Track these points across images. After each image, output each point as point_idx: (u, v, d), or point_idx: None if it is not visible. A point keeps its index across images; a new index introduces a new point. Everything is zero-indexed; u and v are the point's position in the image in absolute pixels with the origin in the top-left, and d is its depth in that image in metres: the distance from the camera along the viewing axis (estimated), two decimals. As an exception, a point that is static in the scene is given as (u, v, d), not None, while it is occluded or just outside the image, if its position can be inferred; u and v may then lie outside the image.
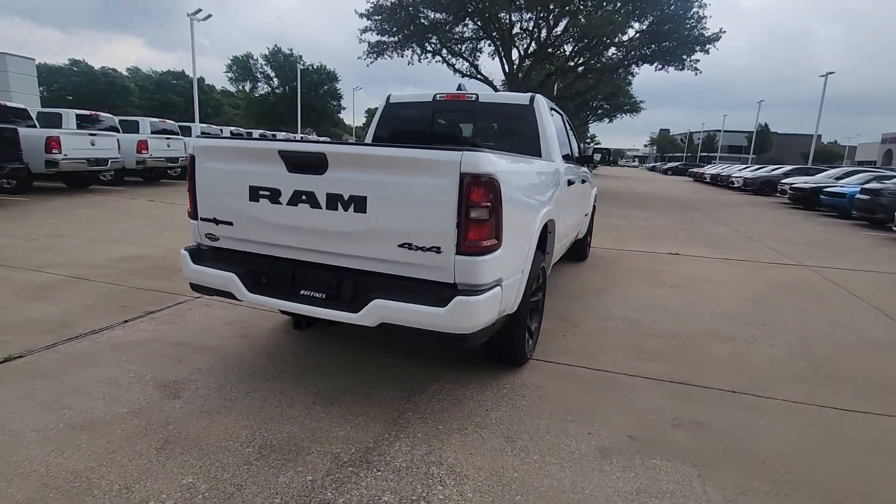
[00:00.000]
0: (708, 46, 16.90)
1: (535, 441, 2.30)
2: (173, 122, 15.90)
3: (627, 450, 2.26)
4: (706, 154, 69.22)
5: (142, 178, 14.15)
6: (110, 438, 2.16)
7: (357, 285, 2.32)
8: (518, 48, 20.31)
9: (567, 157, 4.34)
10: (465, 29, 20.29)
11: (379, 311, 2.17)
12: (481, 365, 3.02)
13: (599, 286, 5.05)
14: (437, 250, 2.11)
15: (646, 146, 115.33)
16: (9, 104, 10.58)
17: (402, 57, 20.75)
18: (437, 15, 18.71)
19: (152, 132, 14.85)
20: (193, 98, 26.47)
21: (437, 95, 4.01)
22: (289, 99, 44.11)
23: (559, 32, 18.66)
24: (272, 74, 45.82)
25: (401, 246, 2.16)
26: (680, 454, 2.24)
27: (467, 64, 20.80)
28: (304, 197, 2.28)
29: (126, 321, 3.49)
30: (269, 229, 2.43)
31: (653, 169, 66.03)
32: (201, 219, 2.60)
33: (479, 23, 19.45)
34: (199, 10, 24.21)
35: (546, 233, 3.31)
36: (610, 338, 3.63)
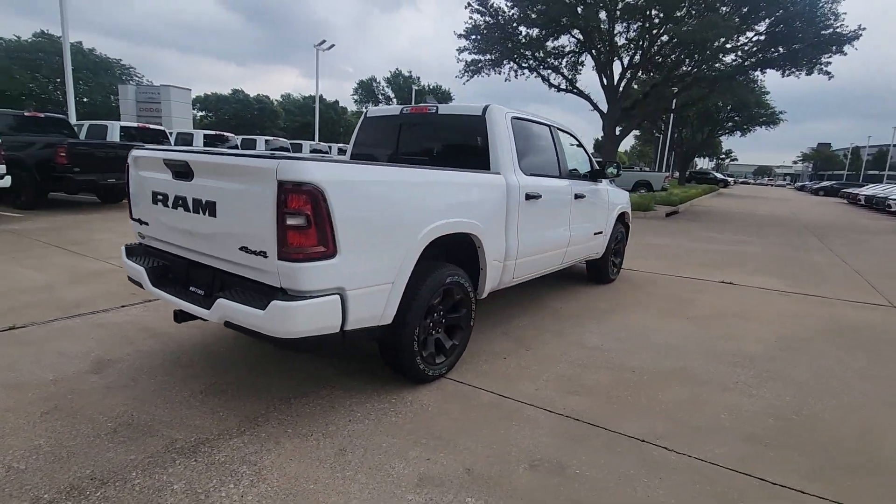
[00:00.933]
0: (845, 46, 14.36)
1: (364, 458, 2.22)
2: (285, 140, 18.01)
3: (450, 483, 2.08)
4: (874, 172, 58.23)
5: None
6: (17, 399, 2.57)
7: (219, 284, 2.48)
8: (621, 59, 19.29)
9: (549, 173, 4.12)
10: (567, 42, 19.91)
11: (221, 309, 2.30)
12: (395, 378, 2.97)
13: (599, 311, 4.62)
14: (265, 255, 2.19)
15: (795, 162, 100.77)
16: (151, 126, 12.91)
17: (500, 74, 21.01)
18: (532, 31, 18.61)
19: (267, 148, 16.93)
20: (315, 118, 29.28)
21: (404, 109, 4.07)
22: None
23: (665, 41, 17.33)
24: (392, 95, 49.32)
25: (240, 249, 2.28)
26: (506, 497, 2.01)
27: (562, 79, 20.26)
28: (180, 201, 2.52)
29: (123, 306, 4.07)
30: (165, 230, 2.71)
31: (801, 189, 57.42)
32: (132, 219, 2.98)
33: (579, 36, 18.94)
34: (324, 41, 27.09)
35: (474, 248, 3.19)
36: (555, 367, 3.32)
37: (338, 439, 2.36)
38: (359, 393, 2.81)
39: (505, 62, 20.16)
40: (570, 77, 20.58)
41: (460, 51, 20.04)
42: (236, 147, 15.80)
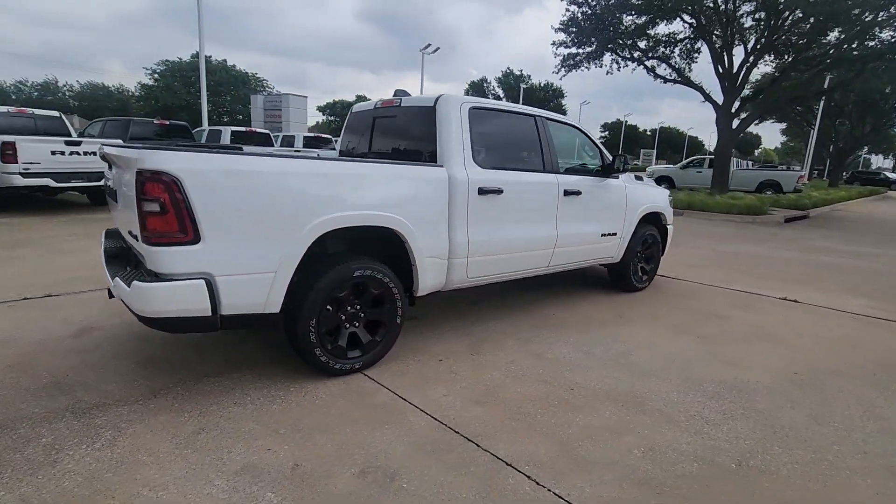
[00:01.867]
0: None
1: (213, 440, 2.28)
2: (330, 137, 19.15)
3: (268, 475, 2.05)
4: None
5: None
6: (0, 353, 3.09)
7: (134, 265, 2.73)
8: (744, 42, 16.94)
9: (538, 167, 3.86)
10: (682, 28, 18.08)
11: (116, 288, 2.54)
12: (312, 369, 3.00)
13: (595, 321, 4.15)
14: (137, 238, 2.36)
15: None
16: (257, 130, 14.54)
17: (601, 66, 19.81)
18: (633, 18, 17.19)
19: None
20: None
21: (377, 103, 4.06)
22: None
23: (795, 18, 14.79)
24: (502, 95, 49.22)
25: (129, 233, 2.48)
26: (309, 499, 1.92)
27: (670, 69, 18.36)
28: (115, 190, 2.82)
29: (143, 284, 4.65)
30: (114, 214, 3.05)
31: None
32: (108, 206, 3.41)
33: (692, 21, 17.07)
34: (429, 45, 27.96)
35: (402, 243, 3.07)
36: (486, 374, 3.07)
37: (207, 419, 2.45)
38: (268, 379, 2.89)
39: (606, 54, 18.97)
40: (682, 67, 18.65)
41: (557, 45, 19.30)
42: (334, 148, 17.06)
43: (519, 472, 2.13)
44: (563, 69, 19.68)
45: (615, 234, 4.67)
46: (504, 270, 3.79)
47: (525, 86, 40.58)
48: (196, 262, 2.34)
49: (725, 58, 16.97)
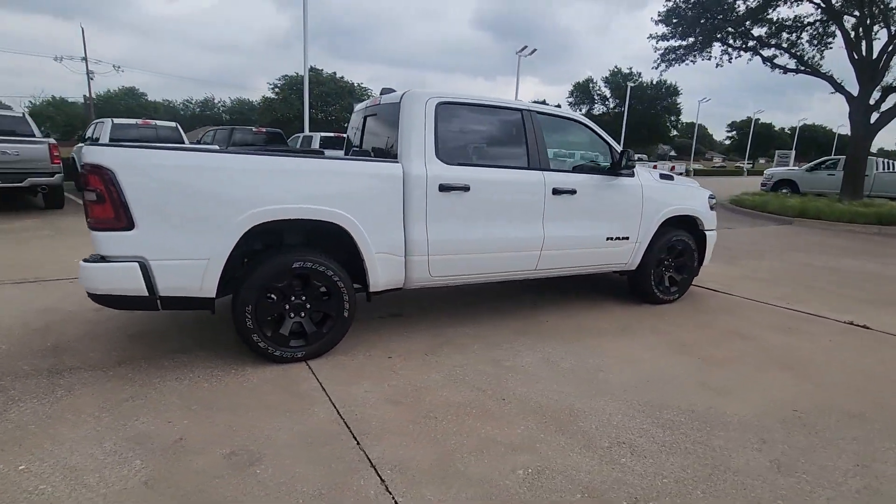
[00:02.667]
0: None
1: (124, 407, 2.49)
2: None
3: (149, 445, 2.20)
4: None
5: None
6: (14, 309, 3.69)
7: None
8: (888, 25, 14.17)
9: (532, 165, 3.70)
10: (812, 11, 15.72)
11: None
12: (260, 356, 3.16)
13: (589, 331, 3.80)
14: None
15: None
16: (343, 135, 15.53)
17: (709, 58, 17.97)
18: (747, 3, 15.29)
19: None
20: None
21: (369, 102, 4.12)
22: (627, 116, 43.90)
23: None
24: (608, 95, 46.78)
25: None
26: (174, 472, 2.04)
27: (790, 57, 15.94)
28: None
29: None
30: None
31: None
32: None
33: (821, 2, 14.75)
34: (525, 48, 27.67)
35: (346, 234, 3.09)
36: (426, 375, 2.98)
37: (143, 389, 2.69)
38: (221, 360, 3.08)
39: (714, 44, 17.17)
40: (811, 55, 16.21)
41: (656, 38, 17.90)
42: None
43: (377, 474, 2.04)
44: (662, 64, 18.22)
45: (626, 238, 4.22)
46: (478, 271, 3.64)
47: (632, 84, 38.09)
48: (130, 247, 2.60)
49: (864, 43, 14.40)
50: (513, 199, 3.66)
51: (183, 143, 11.15)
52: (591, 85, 48.24)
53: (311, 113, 35.75)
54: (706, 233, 4.72)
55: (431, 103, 3.39)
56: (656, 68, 18.52)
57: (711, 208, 4.77)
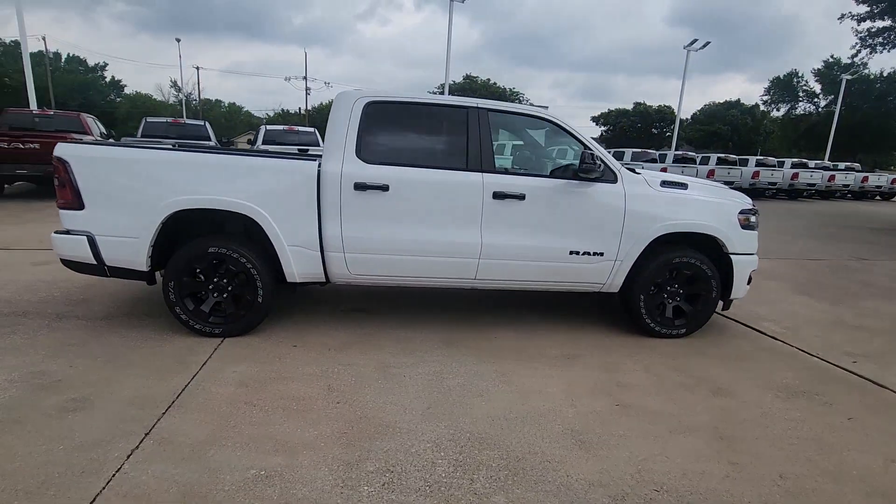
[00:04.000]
0: None
1: (17, 348, 3.10)
2: (653, 151, 18.28)
3: (21, 383, 2.75)
4: None
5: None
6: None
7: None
8: None
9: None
10: None
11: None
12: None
13: (525, 357, 3.39)
14: (62, 203, 3.40)
15: None
16: None
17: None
18: None
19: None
20: (674, 127, 27.07)
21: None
22: (844, 117, 35.69)
23: None
24: (818, 91, 38.20)
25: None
26: None
27: None
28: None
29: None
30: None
31: None
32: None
33: None
34: (695, 41, 24.65)
35: (257, 225, 3.32)
36: (289, 367, 3.06)
37: (54, 335, 3.29)
38: (161, 328, 3.54)
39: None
40: None
41: (857, 19, 14.30)
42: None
43: (139, 441, 2.22)
44: (862, 49, 14.51)
45: (599, 254, 3.62)
46: (404, 273, 3.54)
47: (849, 76, 30.36)
48: (81, 223, 3.24)
49: None
50: (441, 201, 3.46)
51: (208, 138, 12.79)
52: (795, 80, 40.10)
53: None
54: (732, 257, 3.75)
55: (360, 103, 3.42)
56: (854, 56, 14.84)
57: (746, 226, 3.77)
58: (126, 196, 3.24)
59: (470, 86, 36.58)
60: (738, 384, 3.10)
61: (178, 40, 45.52)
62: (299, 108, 66.65)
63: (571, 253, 3.60)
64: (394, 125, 3.54)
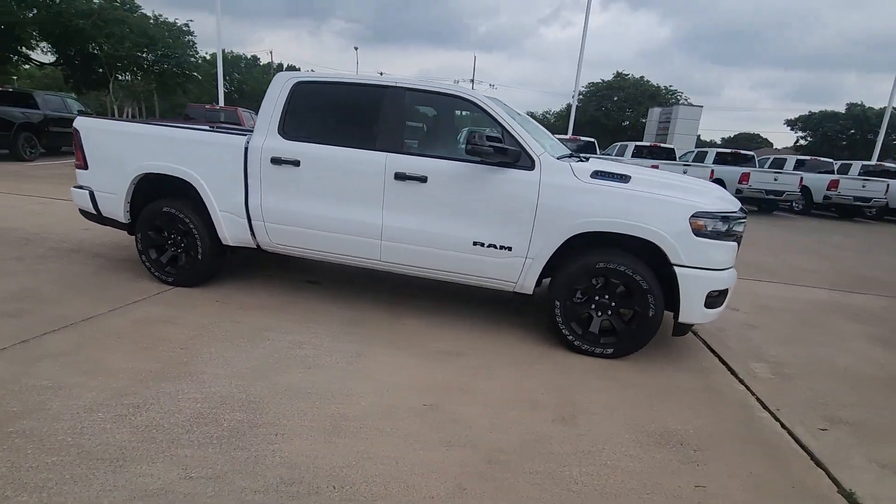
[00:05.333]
0: None
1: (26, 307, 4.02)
2: (831, 161, 15.41)
3: None
4: None
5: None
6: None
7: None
8: None
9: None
10: None
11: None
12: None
13: (416, 345, 3.27)
14: (83, 165, 4.32)
15: None
16: (661, 145, 14.92)
17: None
18: None
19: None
20: (880, 132, 21.66)
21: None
22: None
23: None
24: None
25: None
26: (-8, 304, 3.37)
27: None
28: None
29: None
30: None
31: None
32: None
33: None
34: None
35: (196, 191, 3.79)
36: (190, 317, 3.43)
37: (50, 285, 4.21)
38: (135, 273, 4.33)
39: None
40: None
41: None
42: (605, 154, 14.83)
43: (25, 342, 2.80)
44: None
45: (507, 248, 3.26)
46: (316, 247, 3.68)
47: None
48: (86, 180, 4.10)
49: None
50: (345, 179, 3.49)
51: (240, 123, 13.01)
52: None
53: (613, 120, 35.03)
54: (676, 269, 3.03)
55: (290, 83, 3.65)
56: None
57: (702, 233, 3.00)
58: (112, 160, 4.00)
59: (619, 84, 33.95)
60: (599, 418, 2.54)
61: (356, 48, 51.24)
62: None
63: (475, 244, 3.32)
64: (317, 104, 3.68)
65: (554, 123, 47.47)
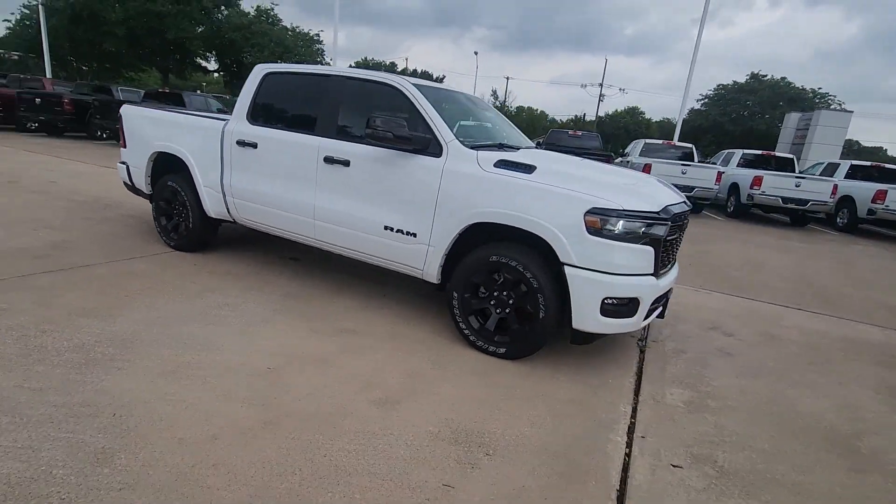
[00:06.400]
0: None
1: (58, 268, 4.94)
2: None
3: None
4: None
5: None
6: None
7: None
8: None
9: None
10: None
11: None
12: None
13: (318, 320, 3.46)
14: (135, 145, 5.22)
15: None
16: (777, 154, 13.43)
17: None
18: None
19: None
20: None
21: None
22: None
23: None
24: None
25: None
26: None
27: None
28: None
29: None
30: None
31: None
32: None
33: None
34: None
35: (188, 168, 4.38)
36: (161, 271, 4.00)
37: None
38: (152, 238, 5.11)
39: None
40: None
41: None
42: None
43: None
44: None
45: (412, 234, 3.26)
46: (269, 223, 4.03)
47: None
48: (125, 157, 4.97)
49: None
50: (290, 161, 3.77)
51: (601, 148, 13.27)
52: None
53: (741, 126, 30.70)
54: (566, 269, 2.76)
55: (261, 73, 4.06)
56: None
57: (598, 231, 2.69)
58: (140, 140, 4.80)
59: (752, 86, 29.51)
60: (421, 408, 2.45)
61: (476, 53, 51.80)
62: (577, 115, 67.95)
63: (386, 228, 3.38)
64: (279, 92, 4.02)
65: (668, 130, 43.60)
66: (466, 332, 3.18)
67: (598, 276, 2.74)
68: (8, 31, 25.32)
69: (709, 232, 9.57)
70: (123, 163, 5.00)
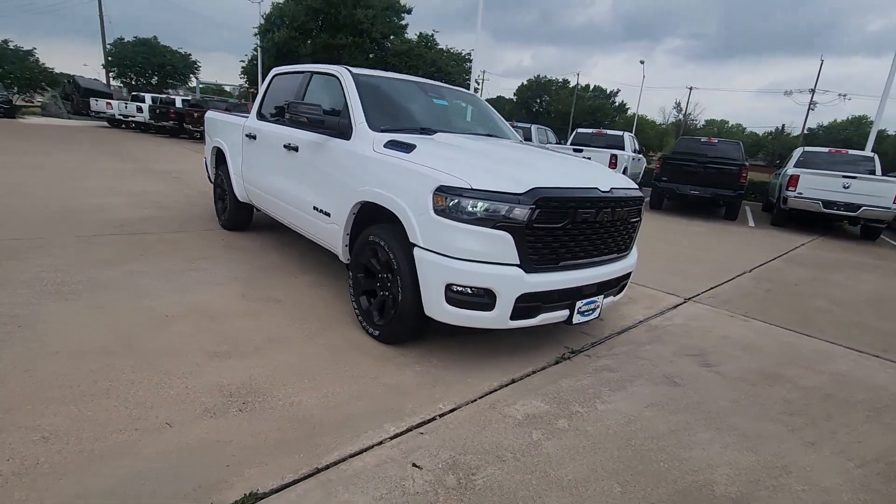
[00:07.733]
0: None
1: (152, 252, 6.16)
2: None
3: (147, 216, 5.81)
4: None
5: None
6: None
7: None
8: None
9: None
10: None
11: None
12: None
13: (259, 289, 3.84)
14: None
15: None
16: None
17: None
18: None
19: None
20: None
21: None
22: None
23: None
24: None
25: (231, 144, 6.51)
26: None
27: None
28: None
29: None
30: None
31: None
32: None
33: None
34: None
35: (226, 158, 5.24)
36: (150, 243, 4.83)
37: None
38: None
39: None
40: None
41: None
42: None
43: None
44: None
45: (328, 213, 3.40)
46: (264, 206, 4.58)
47: None
48: (205, 153, 6.12)
49: None
50: (270, 151, 4.25)
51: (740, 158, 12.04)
52: None
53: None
54: (413, 249, 2.61)
55: (272, 74, 4.68)
56: None
57: (445, 212, 2.49)
58: (207, 138, 5.88)
59: None
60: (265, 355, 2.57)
61: (642, 62, 47.26)
62: (781, 125, 58.35)
63: (314, 209, 3.59)
64: (281, 90, 4.53)
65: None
66: (356, 311, 3.20)
67: (441, 258, 2.54)
68: (243, 69, 32.36)
69: (841, 258, 7.38)
70: (205, 157, 6.17)
